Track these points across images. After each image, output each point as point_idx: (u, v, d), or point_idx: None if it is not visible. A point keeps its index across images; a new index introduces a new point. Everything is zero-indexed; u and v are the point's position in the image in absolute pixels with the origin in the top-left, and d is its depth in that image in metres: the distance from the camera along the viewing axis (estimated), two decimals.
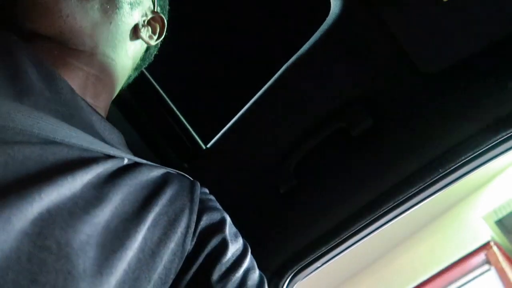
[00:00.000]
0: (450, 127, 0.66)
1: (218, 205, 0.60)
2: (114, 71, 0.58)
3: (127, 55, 0.60)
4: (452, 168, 0.66)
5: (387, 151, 0.71)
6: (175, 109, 0.88)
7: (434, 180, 0.68)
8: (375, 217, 0.73)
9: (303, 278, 0.84)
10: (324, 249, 0.79)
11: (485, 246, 2.78)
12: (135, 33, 0.60)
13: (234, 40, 0.97)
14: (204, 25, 1.03)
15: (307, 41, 0.73)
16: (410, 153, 0.69)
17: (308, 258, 0.80)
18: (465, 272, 2.87)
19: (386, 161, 0.71)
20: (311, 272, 0.84)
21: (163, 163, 0.69)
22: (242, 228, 0.86)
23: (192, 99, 0.89)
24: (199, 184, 0.57)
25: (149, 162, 0.52)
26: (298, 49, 0.74)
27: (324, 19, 0.70)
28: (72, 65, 0.51)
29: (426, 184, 0.68)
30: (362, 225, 0.74)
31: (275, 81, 0.78)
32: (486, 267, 2.83)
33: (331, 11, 0.69)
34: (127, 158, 0.47)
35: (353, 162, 0.74)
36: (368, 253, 3.08)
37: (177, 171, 0.57)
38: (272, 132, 0.80)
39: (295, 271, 0.82)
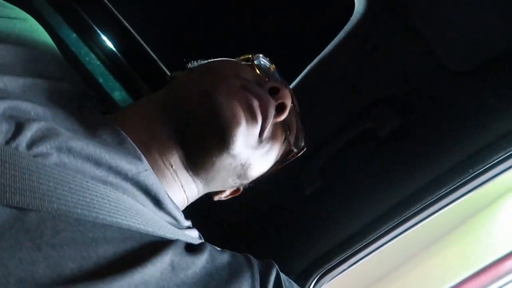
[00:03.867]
0: (480, 126, 0.64)
1: None
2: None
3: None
4: (483, 169, 0.64)
5: (416, 151, 0.69)
6: None
7: (465, 181, 0.66)
8: (403, 219, 0.71)
9: (329, 281, 0.83)
10: (350, 252, 0.78)
11: None
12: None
13: (258, 40, 0.97)
14: (226, 26, 1.04)
15: (331, 40, 0.72)
16: (439, 154, 0.67)
17: (334, 261, 0.80)
18: (498, 277, 2.77)
19: (414, 162, 0.70)
20: (337, 275, 0.83)
21: None
22: (267, 231, 0.87)
23: None
24: (274, 273, 0.59)
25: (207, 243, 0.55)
26: (323, 49, 0.74)
27: (348, 19, 0.69)
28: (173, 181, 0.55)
29: (456, 185, 0.66)
30: (390, 227, 0.73)
31: (300, 81, 0.77)
32: None
33: (355, 10, 0.68)
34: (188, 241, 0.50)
35: (380, 163, 0.73)
36: (396, 256, 3.02)
37: (242, 254, 0.60)
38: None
39: (320, 274, 0.82)
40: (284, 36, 0.97)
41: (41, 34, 0.59)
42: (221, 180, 0.59)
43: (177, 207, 0.54)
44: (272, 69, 0.65)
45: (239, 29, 1.03)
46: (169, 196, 0.52)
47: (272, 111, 0.55)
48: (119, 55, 1.18)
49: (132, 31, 1.14)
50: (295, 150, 0.65)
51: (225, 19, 1.06)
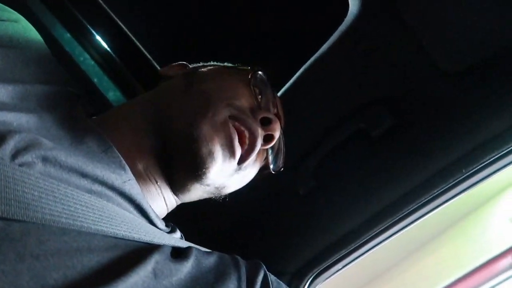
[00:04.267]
0: (473, 126, 0.65)
1: None
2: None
3: None
4: (476, 169, 0.64)
5: (409, 152, 0.70)
6: None
7: (458, 181, 0.66)
8: (396, 219, 0.71)
9: (324, 280, 0.83)
10: (344, 252, 0.78)
11: None
12: None
13: (252, 42, 0.97)
14: (222, 25, 1.04)
15: (326, 41, 0.72)
16: (432, 154, 0.68)
17: (329, 261, 0.80)
18: (491, 276, 2.79)
19: (407, 162, 0.70)
20: (332, 275, 0.83)
21: None
22: (261, 231, 0.87)
23: None
24: (261, 274, 0.61)
25: (195, 246, 0.56)
26: (316, 50, 0.74)
27: (343, 19, 0.69)
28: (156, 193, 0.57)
29: (449, 185, 0.67)
30: (383, 227, 0.73)
31: (295, 81, 0.78)
32: None
33: (349, 11, 0.68)
34: (175, 245, 0.52)
35: (373, 163, 0.73)
36: (390, 256, 3.03)
37: (230, 256, 0.62)
38: (291, 133, 0.79)
39: (315, 274, 0.82)
40: (279, 37, 0.97)
41: (33, 35, 0.59)
42: (197, 197, 0.62)
43: (158, 217, 0.55)
44: (266, 87, 0.65)
45: (234, 30, 1.03)
46: (151, 207, 0.53)
47: (259, 144, 0.56)
48: (114, 55, 1.18)
49: (127, 30, 1.14)
50: (272, 172, 0.68)
51: (221, 19, 1.06)
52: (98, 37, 1.16)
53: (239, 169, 0.58)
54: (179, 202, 0.63)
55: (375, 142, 0.72)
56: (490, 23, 0.59)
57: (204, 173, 0.53)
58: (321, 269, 0.81)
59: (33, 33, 0.59)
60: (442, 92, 0.67)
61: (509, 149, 0.62)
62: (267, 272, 0.62)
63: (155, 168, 0.54)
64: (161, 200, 0.58)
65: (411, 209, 0.71)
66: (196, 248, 0.56)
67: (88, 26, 1.15)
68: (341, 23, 0.70)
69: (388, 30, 0.66)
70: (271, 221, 0.85)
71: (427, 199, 0.70)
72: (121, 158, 0.50)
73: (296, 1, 0.93)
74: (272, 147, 0.64)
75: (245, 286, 0.56)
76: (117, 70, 1.17)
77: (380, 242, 0.77)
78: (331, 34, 0.71)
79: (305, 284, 0.82)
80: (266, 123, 0.58)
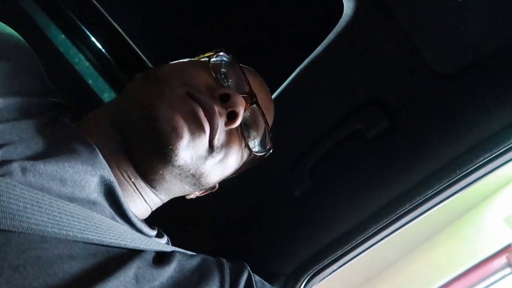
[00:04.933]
0: (467, 127, 0.65)
1: None
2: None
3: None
4: (470, 170, 0.65)
5: (403, 152, 0.70)
6: None
7: (452, 182, 0.67)
8: (391, 219, 0.72)
9: (319, 281, 0.83)
10: (340, 253, 0.78)
11: (507, 248, 2.71)
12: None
13: (246, 43, 0.97)
14: (219, 26, 1.04)
15: (321, 43, 0.73)
16: (427, 155, 0.68)
17: (324, 262, 0.80)
18: (485, 276, 2.81)
19: (402, 163, 0.70)
20: (327, 276, 0.83)
21: None
22: (257, 232, 0.87)
23: None
24: (245, 275, 0.61)
25: (179, 250, 0.56)
26: (311, 52, 0.74)
27: (337, 21, 0.69)
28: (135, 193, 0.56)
29: (443, 186, 0.67)
30: (378, 228, 0.73)
31: (289, 84, 0.78)
32: (508, 270, 2.76)
33: (344, 13, 0.68)
34: (159, 250, 0.51)
35: (369, 164, 0.73)
36: (385, 256, 3.04)
37: (214, 258, 0.61)
38: (287, 135, 0.80)
39: (310, 275, 0.82)
40: (274, 38, 0.98)
41: (20, 43, 0.59)
42: (178, 189, 0.59)
43: (141, 221, 0.55)
44: (233, 67, 0.63)
45: (229, 31, 1.03)
46: (131, 211, 0.53)
47: (218, 120, 0.54)
48: (109, 56, 1.17)
49: (121, 31, 1.14)
50: (257, 155, 0.65)
51: (216, 20, 1.06)
52: (92, 38, 1.16)
53: (212, 151, 0.56)
54: (164, 198, 0.61)
55: (370, 143, 0.73)
56: (483, 24, 0.59)
57: (172, 151, 0.50)
58: (316, 270, 0.81)
59: (19, 41, 0.59)
60: (436, 93, 0.67)
61: (503, 149, 0.63)
62: (252, 273, 0.62)
63: (128, 166, 0.53)
64: (140, 199, 0.57)
65: (406, 209, 0.71)
66: (180, 252, 0.56)
67: (83, 27, 1.15)
68: (336, 25, 0.70)
69: (383, 31, 0.66)
70: (267, 222, 0.85)
71: (422, 200, 0.70)
72: (103, 160, 0.50)
73: (291, 3, 0.93)
74: (249, 128, 0.63)
75: (228, 286, 0.56)
76: (112, 71, 1.17)
77: (375, 243, 0.77)
78: (326, 36, 0.72)
79: (301, 285, 0.82)
80: (225, 99, 0.55)
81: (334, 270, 0.82)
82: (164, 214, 0.65)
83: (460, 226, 3.02)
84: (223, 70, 0.62)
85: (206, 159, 0.55)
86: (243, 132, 0.61)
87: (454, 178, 0.66)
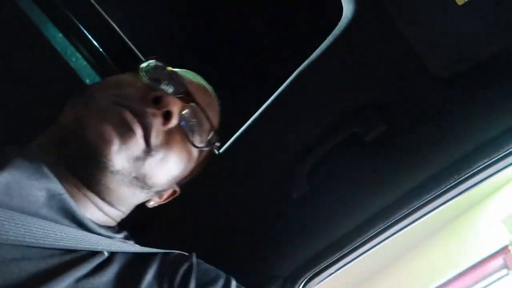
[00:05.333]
0: (466, 132, 0.65)
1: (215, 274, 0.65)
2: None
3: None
4: (468, 174, 0.65)
5: (402, 156, 0.70)
6: None
7: (451, 187, 0.66)
8: (390, 223, 0.72)
9: (317, 284, 0.83)
10: (338, 255, 0.78)
11: (504, 250, 2.72)
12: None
13: (245, 45, 0.97)
14: (214, 33, 1.04)
15: (319, 45, 0.72)
16: (425, 159, 0.68)
17: (322, 264, 0.80)
18: (482, 277, 2.82)
19: (400, 166, 0.70)
20: (325, 278, 0.83)
21: None
22: (255, 234, 0.86)
23: None
24: (190, 263, 0.63)
25: (134, 249, 0.58)
26: (310, 54, 0.74)
27: (336, 24, 0.69)
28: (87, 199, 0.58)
29: (441, 191, 0.67)
30: (377, 231, 0.73)
31: (287, 86, 0.77)
32: (504, 271, 2.77)
33: (343, 15, 0.68)
34: (109, 251, 0.53)
35: (367, 168, 0.73)
36: (383, 256, 3.04)
37: (164, 251, 0.63)
38: (285, 137, 0.79)
39: (308, 277, 0.82)
40: (272, 40, 0.97)
41: None
42: (130, 196, 0.61)
43: (99, 225, 0.57)
44: (165, 71, 0.65)
45: (227, 33, 1.02)
46: (87, 217, 0.55)
47: (150, 120, 0.55)
48: (106, 56, 1.17)
49: (119, 31, 1.13)
50: (203, 149, 0.67)
51: (215, 22, 1.06)
52: (90, 37, 1.15)
53: (150, 150, 0.57)
54: (122, 208, 0.63)
55: (368, 147, 0.72)
56: (482, 29, 0.59)
57: (105, 157, 0.52)
58: (314, 273, 0.81)
59: None
60: (434, 97, 0.67)
61: (502, 154, 0.63)
62: (196, 264, 0.63)
63: (75, 179, 0.55)
64: (99, 211, 0.59)
65: (405, 213, 0.71)
66: (134, 252, 0.58)
67: (80, 25, 1.14)
68: (335, 27, 0.70)
69: (382, 35, 0.66)
70: (264, 224, 0.85)
71: (420, 204, 0.70)
72: (51, 175, 0.52)
73: (290, 5, 0.93)
74: (192, 126, 0.64)
75: (168, 276, 0.58)
76: (109, 71, 1.16)
77: (374, 246, 0.77)
78: (324, 38, 0.71)
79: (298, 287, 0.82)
80: (158, 101, 0.57)
81: (332, 273, 0.82)
82: (156, 218, 0.65)
83: (458, 227, 3.03)
84: (155, 76, 0.63)
85: (145, 160, 0.56)
86: (185, 131, 0.62)
87: (453, 182, 0.65)
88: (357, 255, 0.77)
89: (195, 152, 0.66)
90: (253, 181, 0.83)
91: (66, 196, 0.52)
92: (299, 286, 0.81)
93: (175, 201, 0.74)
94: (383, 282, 3.21)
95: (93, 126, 0.52)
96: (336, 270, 0.81)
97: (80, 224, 0.53)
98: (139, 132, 0.54)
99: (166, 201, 0.72)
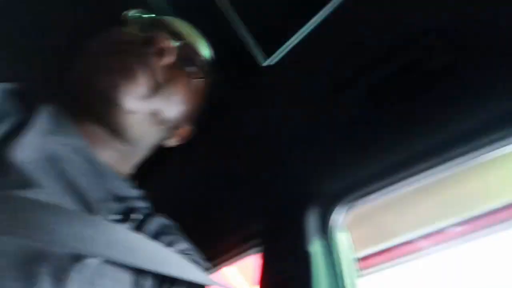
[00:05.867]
0: None
1: None
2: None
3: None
4: None
5: (470, 87, 0.60)
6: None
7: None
8: (446, 161, 0.65)
9: (357, 206, 0.82)
10: (387, 181, 0.75)
11: None
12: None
13: None
14: None
15: None
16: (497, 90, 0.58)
17: (365, 189, 0.78)
18: None
19: (465, 98, 0.61)
20: (367, 202, 0.81)
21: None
22: (299, 154, 0.85)
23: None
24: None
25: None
26: None
27: None
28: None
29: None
30: (430, 167, 0.67)
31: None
32: None
33: None
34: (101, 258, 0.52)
35: (428, 97, 0.65)
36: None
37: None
38: (342, 53, 0.72)
39: (349, 200, 0.81)
40: None
41: None
42: (148, 133, 0.66)
43: (119, 176, 0.64)
44: (152, 19, 0.70)
45: None
46: (112, 168, 0.62)
47: (147, 59, 0.62)
48: None
49: None
50: (201, 79, 0.73)
51: None
52: None
53: (158, 87, 0.63)
54: (142, 147, 0.69)
55: (431, 75, 0.63)
56: None
57: (118, 101, 0.58)
58: (355, 196, 0.80)
59: None
60: None
61: None
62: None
63: (95, 128, 0.61)
64: (117, 154, 0.65)
65: (468, 150, 0.64)
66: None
67: None
68: None
69: None
70: (308, 145, 0.83)
71: (489, 141, 0.62)
72: (74, 129, 0.60)
73: None
74: (189, 61, 0.70)
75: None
76: None
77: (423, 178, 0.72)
78: None
79: (341, 209, 0.82)
80: (150, 42, 0.63)
81: (375, 198, 0.79)
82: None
83: None
84: (144, 25, 0.69)
85: (154, 97, 0.62)
86: (181, 65, 0.68)
87: None
88: (403, 185, 0.73)
89: (196, 84, 0.72)
90: (301, 99, 0.78)
91: (89, 150, 0.60)
92: (342, 207, 0.81)
93: None
94: (432, 198, 3.16)
95: (101, 78, 0.59)
96: (378, 196, 0.79)
97: (103, 175, 0.60)
98: (139, 72, 0.60)
99: (184, 139, 0.78)
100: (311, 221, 0.81)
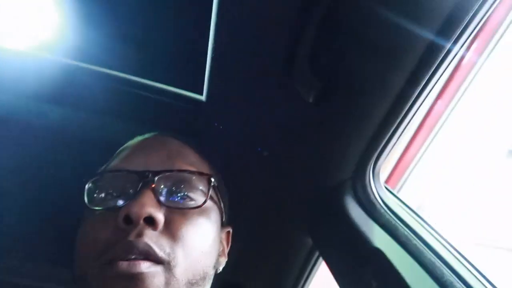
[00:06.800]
0: None
1: None
2: None
3: None
4: None
5: None
6: None
7: None
8: None
9: (384, 159, 0.82)
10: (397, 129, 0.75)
11: None
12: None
13: None
14: None
15: None
16: None
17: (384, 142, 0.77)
18: None
19: None
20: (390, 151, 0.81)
21: None
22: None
23: None
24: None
25: None
26: None
27: None
28: None
29: None
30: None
31: None
32: None
33: None
34: None
35: None
36: None
37: None
38: None
39: (376, 158, 0.81)
40: None
41: None
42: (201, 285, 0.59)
43: None
44: (106, 180, 0.60)
45: None
46: None
47: (141, 244, 0.51)
48: None
49: None
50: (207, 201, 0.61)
51: None
52: None
53: (167, 261, 0.54)
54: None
55: None
56: None
57: None
58: (379, 151, 0.80)
59: None
60: None
61: None
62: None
63: None
64: None
65: None
66: None
67: None
68: None
69: None
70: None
71: None
72: None
73: None
74: (179, 191, 0.59)
75: None
76: None
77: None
78: None
79: (371, 170, 0.83)
80: (129, 219, 0.53)
81: (395, 144, 0.80)
82: None
83: None
84: (102, 195, 0.58)
85: (171, 270, 0.53)
86: (177, 203, 0.58)
87: None
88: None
89: (204, 208, 0.60)
90: None
91: None
92: (369, 173, 0.82)
93: None
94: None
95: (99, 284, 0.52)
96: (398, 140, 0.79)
97: None
98: (144, 266, 0.51)
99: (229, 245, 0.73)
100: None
